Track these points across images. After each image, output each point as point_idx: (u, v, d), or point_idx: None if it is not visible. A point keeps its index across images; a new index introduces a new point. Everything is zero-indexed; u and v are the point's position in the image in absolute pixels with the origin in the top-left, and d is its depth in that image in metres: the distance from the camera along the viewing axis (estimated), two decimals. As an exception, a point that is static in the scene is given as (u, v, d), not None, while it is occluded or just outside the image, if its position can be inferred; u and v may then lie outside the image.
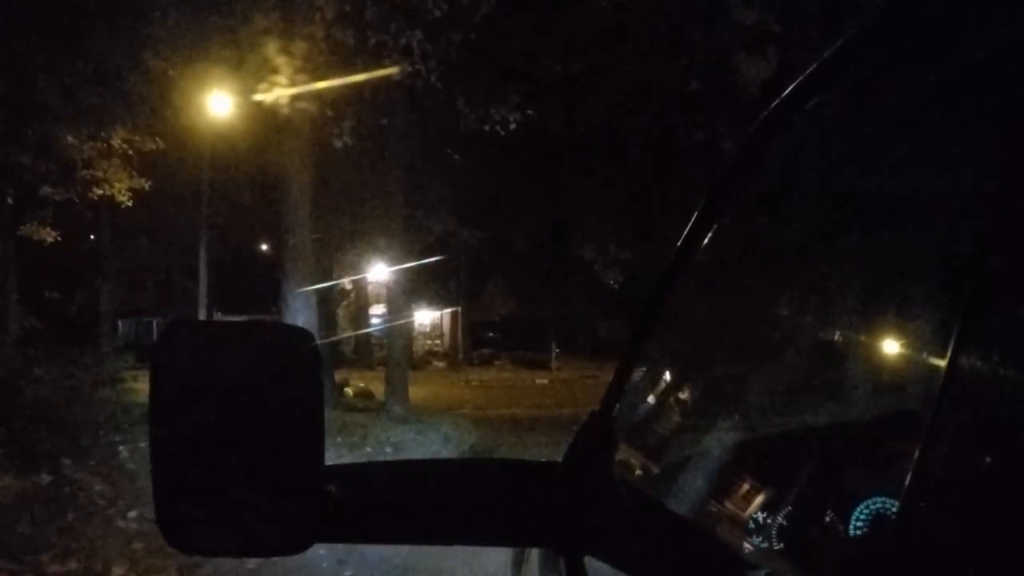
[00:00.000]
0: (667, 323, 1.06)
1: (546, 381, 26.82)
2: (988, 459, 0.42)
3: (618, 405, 1.03)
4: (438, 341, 33.93)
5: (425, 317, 36.96)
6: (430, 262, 28.22)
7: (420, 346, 33.44)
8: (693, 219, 0.92)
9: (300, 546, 0.85)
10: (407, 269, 28.54)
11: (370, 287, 33.85)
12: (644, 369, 1.09)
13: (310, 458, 0.83)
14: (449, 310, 32.68)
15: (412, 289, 31.61)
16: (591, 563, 0.90)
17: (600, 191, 26.12)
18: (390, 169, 18.00)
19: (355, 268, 29.17)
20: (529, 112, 13.36)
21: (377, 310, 34.37)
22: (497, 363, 33.00)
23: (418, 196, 26.45)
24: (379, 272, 30.64)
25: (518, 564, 1.24)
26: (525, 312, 36.10)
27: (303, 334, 0.87)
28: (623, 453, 1.04)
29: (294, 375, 0.85)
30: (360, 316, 31.82)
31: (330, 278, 29.88)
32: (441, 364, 31.27)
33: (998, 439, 0.42)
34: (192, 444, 0.85)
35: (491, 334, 36.97)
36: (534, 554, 1.17)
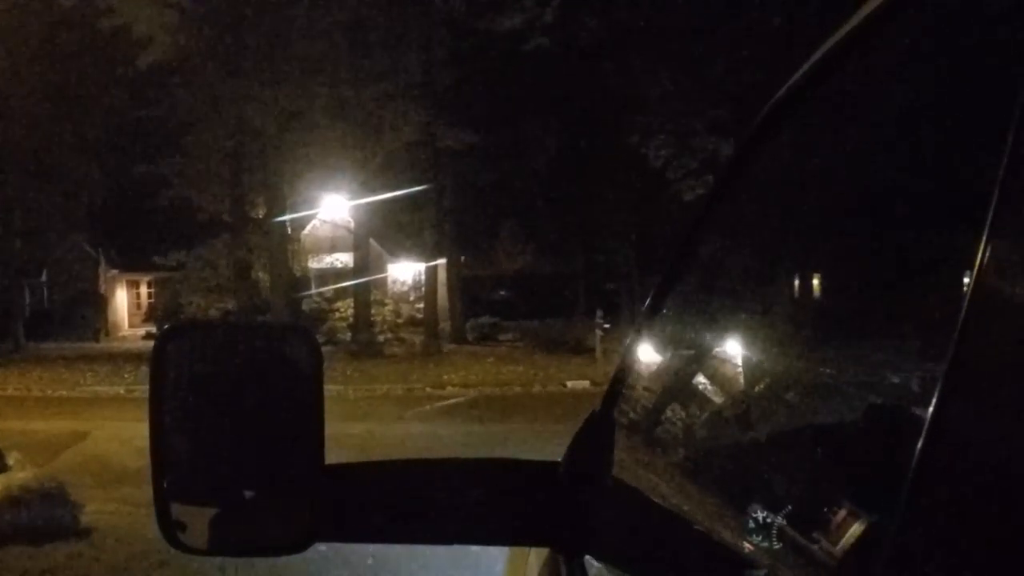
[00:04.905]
0: (668, 320, 1.45)
1: (587, 384, 18.66)
2: (988, 459, 0.55)
3: (618, 405, 1.44)
4: (420, 306, 31.12)
5: (406, 272, 34.26)
6: (400, 195, 25.31)
7: (391, 312, 30.84)
8: (697, 215, 1.33)
9: (301, 545, 1.22)
10: (367, 202, 25.77)
11: (316, 228, 32.40)
12: (645, 367, 1.49)
13: (310, 458, 1.19)
14: (430, 263, 29.49)
15: (376, 231, 29.27)
16: (591, 563, 1.28)
17: (674, 54, 23.79)
18: (317, 29, 16.03)
19: (281, 196, 27.05)
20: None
21: (326, 261, 32.98)
22: (504, 340, 28.89)
23: (367, 76, 23.27)
24: (330, 205, 28.65)
25: (518, 564, 1.67)
26: (548, 265, 33.27)
27: (303, 333, 1.28)
28: (623, 453, 1.41)
29: (294, 375, 1.23)
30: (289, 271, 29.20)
31: (241, 210, 28.36)
32: (421, 341, 27.90)
33: (998, 439, 0.55)
34: (191, 444, 1.23)
35: (502, 292, 33.30)
36: (534, 554, 1.58)
